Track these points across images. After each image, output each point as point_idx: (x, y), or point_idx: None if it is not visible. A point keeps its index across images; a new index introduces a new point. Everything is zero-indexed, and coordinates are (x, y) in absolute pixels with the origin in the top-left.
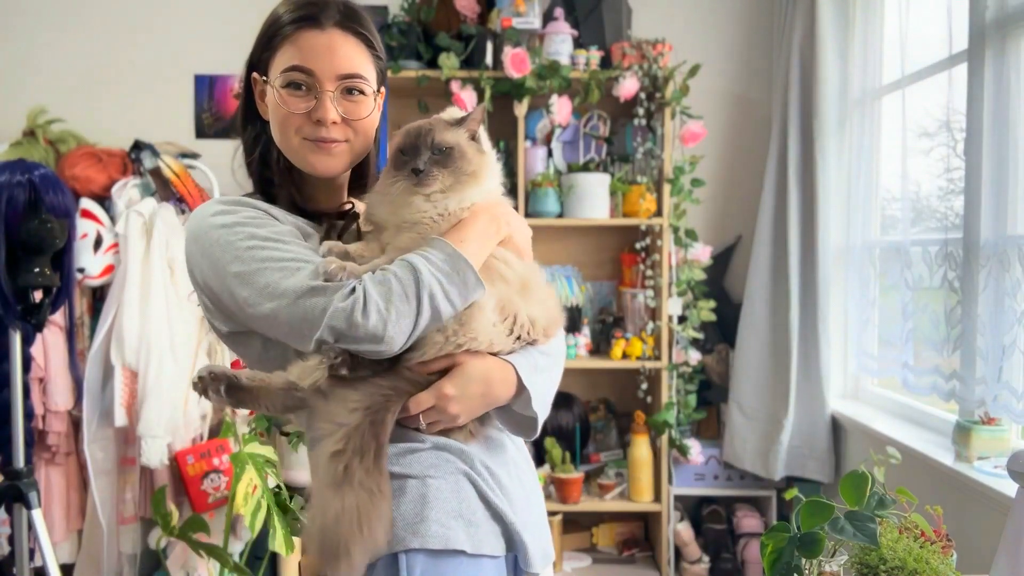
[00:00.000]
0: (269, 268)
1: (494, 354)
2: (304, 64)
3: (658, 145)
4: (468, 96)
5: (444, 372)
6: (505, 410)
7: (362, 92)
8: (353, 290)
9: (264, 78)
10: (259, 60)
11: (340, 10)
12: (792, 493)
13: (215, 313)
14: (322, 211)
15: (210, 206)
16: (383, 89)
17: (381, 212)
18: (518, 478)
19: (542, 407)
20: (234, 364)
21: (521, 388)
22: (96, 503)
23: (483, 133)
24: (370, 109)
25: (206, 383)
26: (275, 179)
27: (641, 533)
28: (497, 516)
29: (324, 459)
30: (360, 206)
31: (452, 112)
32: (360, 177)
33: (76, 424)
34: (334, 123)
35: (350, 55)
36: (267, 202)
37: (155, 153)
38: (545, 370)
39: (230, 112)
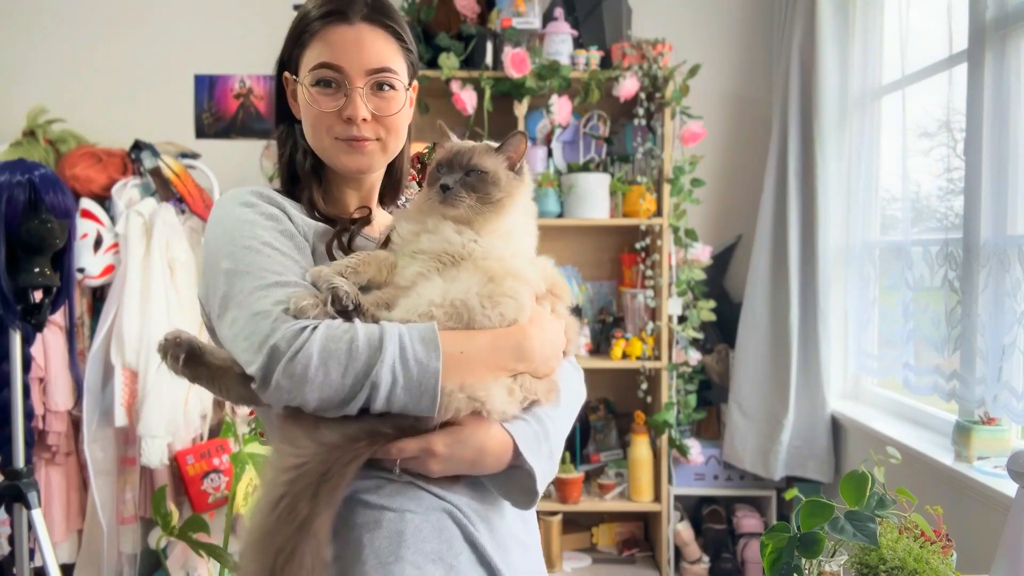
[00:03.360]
0: (251, 274)
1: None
2: (332, 60)
3: (658, 145)
4: (468, 96)
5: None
6: (501, 478)
7: (392, 87)
8: (302, 330)
9: (295, 77)
10: (289, 58)
11: (368, 3)
12: (792, 493)
13: (207, 301)
14: (341, 215)
15: (241, 193)
16: (415, 83)
17: (403, 229)
18: (520, 517)
19: (545, 481)
20: None
21: (518, 459)
22: (96, 503)
23: (526, 167)
24: (401, 104)
25: (168, 347)
26: (300, 181)
27: (641, 533)
28: (484, 562)
29: (266, 483)
30: (380, 212)
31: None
32: (392, 179)
33: (76, 424)
34: (364, 121)
35: (379, 49)
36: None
37: (155, 153)
38: (551, 437)
39: (230, 112)
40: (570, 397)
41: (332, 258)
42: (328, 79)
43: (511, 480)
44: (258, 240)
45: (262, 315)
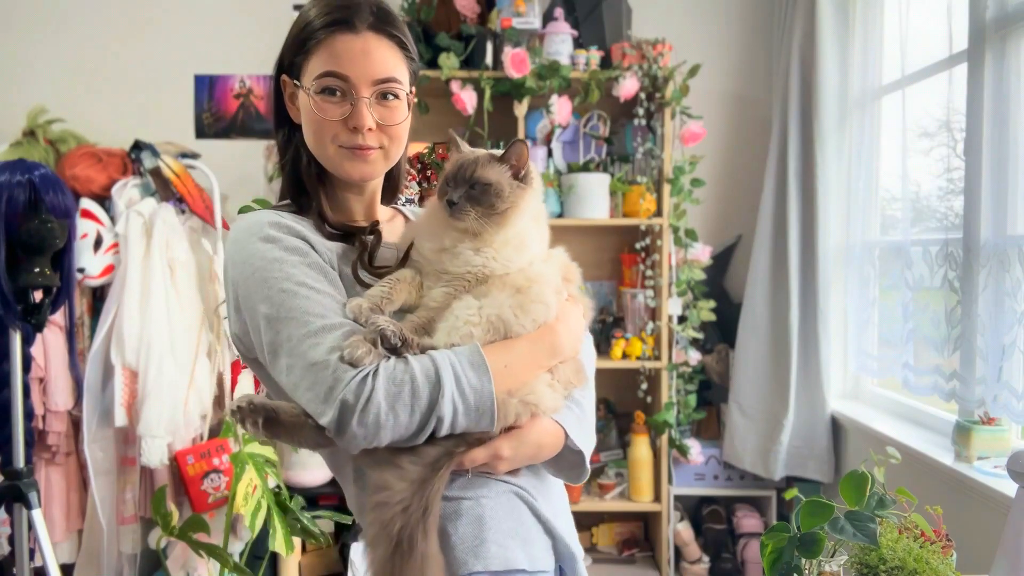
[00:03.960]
0: (296, 320)
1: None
2: (339, 70)
3: (658, 145)
4: (468, 96)
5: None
6: (553, 460)
7: (396, 96)
8: (364, 379)
9: (296, 82)
10: (291, 63)
11: (373, 12)
12: (792, 493)
13: (246, 338)
14: (353, 226)
15: (258, 226)
16: (413, 89)
17: (424, 248)
18: (559, 487)
19: (590, 455)
20: (234, 365)
21: (568, 442)
22: (96, 503)
23: (535, 174)
24: (404, 114)
25: (244, 414)
26: (306, 187)
27: (641, 533)
28: (548, 531)
29: (378, 527)
30: (382, 211)
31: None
32: (390, 182)
33: (76, 424)
34: (369, 130)
35: (385, 58)
36: (298, 210)
37: (155, 153)
38: (587, 414)
39: (230, 112)
40: (591, 368)
41: (358, 279)
42: (334, 87)
43: (561, 461)
44: (292, 281)
45: (320, 366)
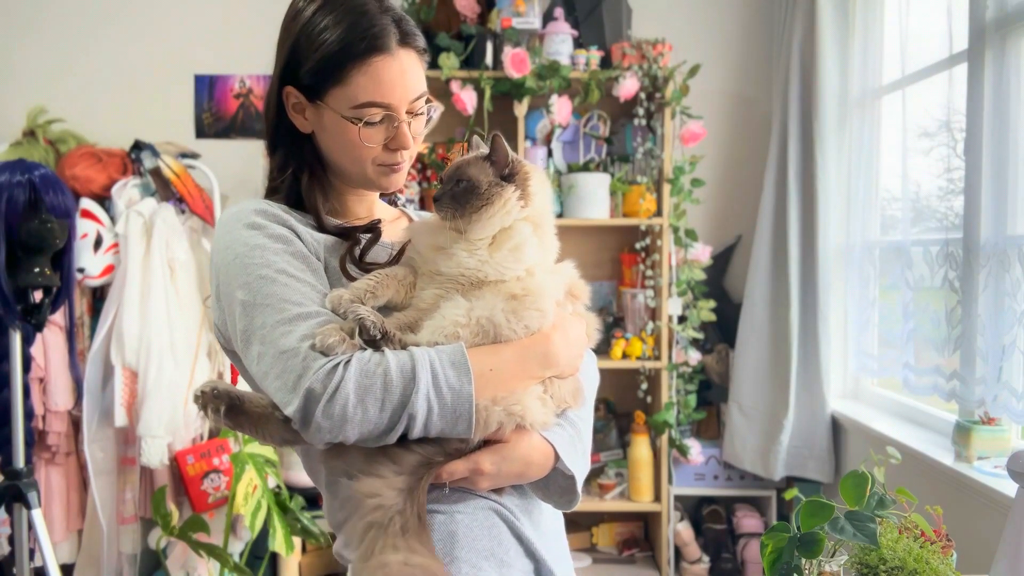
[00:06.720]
0: (271, 307)
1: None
2: (383, 100)
3: (658, 145)
4: (468, 96)
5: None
6: (541, 482)
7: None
8: (334, 368)
9: (319, 102)
10: (311, 86)
11: (396, 24)
12: (792, 493)
13: (224, 326)
14: (349, 225)
15: (245, 213)
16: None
17: (421, 244)
18: (550, 508)
19: (582, 481)
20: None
21: (558, 464)
22: (96, 503)
23: (533, 179)
24: (427, 118)
25: (207, 399)
26: (304, 199)
27: (641, 533)
28: (531, 553)
29: (371, 520)
30: (387, 210)
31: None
32: None
33: (76, 424)
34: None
35: (417, 74)
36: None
37: (155, 153)
38: (583, 437)
39: (230, 112)
40: (591, 391)
41: (345, 272)
42: (378, 116)
43: (550, 484)
44: (272, 268)
45: (290, 353)
